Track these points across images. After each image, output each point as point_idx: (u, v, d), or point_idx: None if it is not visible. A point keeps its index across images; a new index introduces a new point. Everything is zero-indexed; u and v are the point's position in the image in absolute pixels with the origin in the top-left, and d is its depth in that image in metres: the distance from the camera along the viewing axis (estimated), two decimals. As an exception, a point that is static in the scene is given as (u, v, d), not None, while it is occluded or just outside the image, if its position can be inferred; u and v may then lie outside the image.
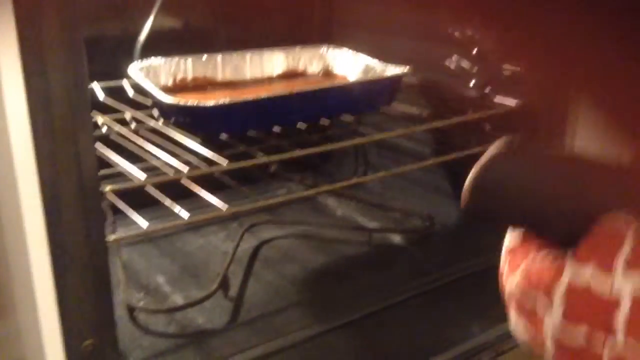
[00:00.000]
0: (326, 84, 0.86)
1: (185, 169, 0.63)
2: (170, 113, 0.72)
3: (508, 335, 0.68)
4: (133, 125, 0.77)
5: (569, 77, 0.80)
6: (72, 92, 0.48)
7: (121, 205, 0.63)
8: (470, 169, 0.99)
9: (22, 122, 0.46)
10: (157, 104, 0.74)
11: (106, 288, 0.53)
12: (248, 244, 0.87)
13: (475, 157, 0.82)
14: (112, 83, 0.82)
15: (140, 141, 0.70)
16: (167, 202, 0.64)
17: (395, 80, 0.80)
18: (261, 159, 0.67)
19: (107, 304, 0.54)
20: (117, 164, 0.66)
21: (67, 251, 0.49)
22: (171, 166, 0.65)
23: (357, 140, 0.80)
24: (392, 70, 0.81)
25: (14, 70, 0.45)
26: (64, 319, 0.50)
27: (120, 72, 0.83)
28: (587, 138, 0.82)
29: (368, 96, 0.78)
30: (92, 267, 0.52)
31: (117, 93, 0.82)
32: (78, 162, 0.48)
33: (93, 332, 0.52)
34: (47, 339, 0.50)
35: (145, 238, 0.86)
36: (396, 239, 0.91)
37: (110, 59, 0.85)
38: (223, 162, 0.64)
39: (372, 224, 0.94)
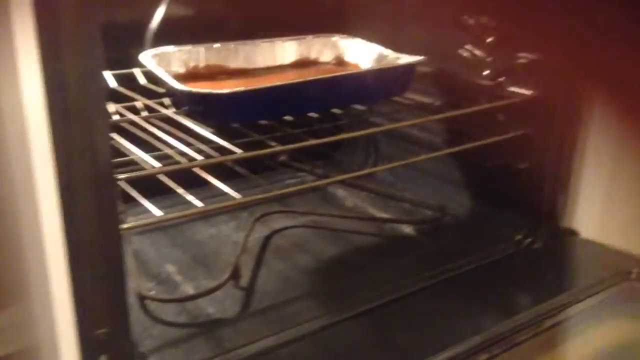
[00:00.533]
0: (340, 72, 0.85)
1: (198, 157, 0.62)
2: (183, 101, 0.71)
3: (521, 327, 0.68)
4: (144, 113, 0.77)
5: (584, 66, 0.79)
6: (88, 78, 0.47)
7: (134, 193, 0.62)
8: (483, 159, 0.99)
9: (38, 108, 0.45)
10: (170, 92, 0.73)
11: (120, 276, 0.53)
12: (259, 233, 0.87)
13: (488, 148, 0.82)
14: (122, 71, 0.81)
15: (152, 129, 0.70)
16: (180, 190, 0.64)
17: (410, 69, 0.79)
18: (276, 148, 0.66)
19: (120, 292, 0.54)
20: (129, 152, 0.66)
21: (82, 238, 0.49)
22: (184, 154, 0.64)
23: (370, 130, 0.79)
24: (406, 59, 0.80)
25: (31, 56, 0.44)
26: (78, 306, 0.50)
27: (130, 61, 0.82)
28: (602, 129, 0.81)
29: (382, 85, 0.78)
30: (106, 254, 0.51)
31: (127, 81, 0.81)
32: (93, 149, 0.48)
33: (106, 320, 0.52)
34: (60, 327, 0.50)
35: (156, 227, 0.86)
36: (407, 229, 0.90)
37: (121, 47, 0.85)
38: (237, 150, 0.63)
39: (382, 215, 0.94)
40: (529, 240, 0.83)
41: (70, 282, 0.49)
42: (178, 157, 0.65)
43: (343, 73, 0.82)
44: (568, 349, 0.67)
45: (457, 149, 0.82)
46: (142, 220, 0.60)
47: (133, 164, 0.66)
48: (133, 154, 0.65)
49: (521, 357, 0.65)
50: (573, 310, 0.69)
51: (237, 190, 0.65)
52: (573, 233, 0.84)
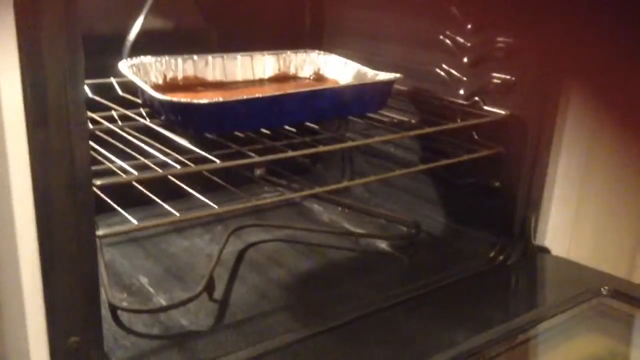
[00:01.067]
0: (320, 86, 0.86)
1: (177, 166, 0.62)
2: (161, 111, 0.71)
3: (493, 342, 0.68)
4: (121, 123, 0.77)
5: (560, 82, 0.81)
6: (69, 86, 0.47)
7: (108, 201, 0.62)
8: (458, 177, 1.00)
9: (16, 114, 0.45)
10: (149, 101, 0.73)
11: (93, 284, 0.52)
12: (233, 247, 0.86)
13: (462, 166, 0.83)
14: (98, 81, 0.81)
15: (129, 138, 0.69)
16: (157, 200, 0.63)
17: (387, 85, 0.80)
18: (255, 159, 0.66)
19: (93, 301, 0.53)
20: (105, 160, 0.65)
21: (57, 245, 0.48)
22: (162, 164, 0.64)
23: (346, 144, 0.80)
24: (384, 76, 0.81)
25: (11, 61, 0.44)
26: (50, 314, 0.49)
27: (107, 71, 0.82)
28: (572, 151, 0.83)
29: (359, 101, 0.79)
30: (81, 262, 0.51)
31: (103, 91, 0.81)
32: (71, 155, 0.48)
33: (79, 329, 0.51)
34: (31, 335, 0.49)
35: (129, 239, 0.85)
36: (382, 245, 0.91)
37: (98, 57, 0.84)
38: (215, 160, 0.63)
39: (358, 230, 0.94)
40: (502, 257, 0.84)
41: (43, 289, 0.49)
42: (155, 167, 0.65)
43: (324, 87, 0.83)
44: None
45: (431, 165, 0.83)
46: (119, 228, 0.59)
47: (108, 174, 0.65)
48: (110, 162, 0.65)
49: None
50: (545, 326, 0.70)
51: (214, 203, 0.65)
52: (545, 251, 0.86)
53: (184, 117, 0.67)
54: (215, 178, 0.73)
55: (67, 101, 0.47)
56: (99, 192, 0.56)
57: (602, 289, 0.74)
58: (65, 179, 0.48)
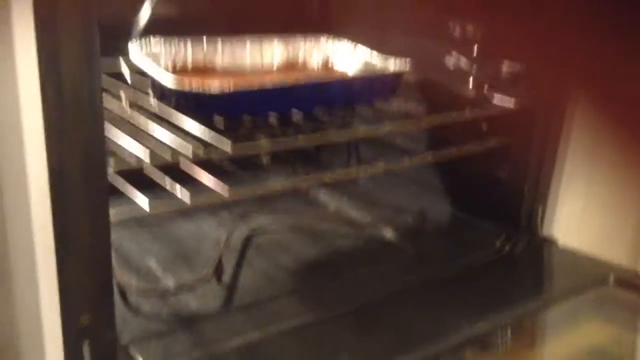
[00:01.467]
0: (329, 75, 0.86)
1: (189, 150, 0.62)
2: (171, 95, 0.71)
3: (498, 328, 0.69)
4: (128, 105, 0.76)
5: (568, 74, 0.81)
6: (84, 66, 0.47)
7: (121, 184, 0.62)
8: (465, 167, 1.00)
9: (33, 95, 0.45)
10: (157, 84, 0.73)
11: (106, 264, 0.53)
12: (239, 232, 0.87)
13: (470, 156, 0.83)
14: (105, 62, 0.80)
15: (141, 120, 0.69)
16: (168, 183, 0.63)
17: (398, 75, 0.80)
18: (265, 143, 0.66)
19: (106, 280, 0.53)
20: (113, 143, 0.65)
21: (71, 224, 0.48)
22: (170, 147, 0.64)
23: (353, 133, 0.80)
24: (394, 65, 0.81)
25: (28, 43, 0.44)
26: (63, 291, 0.49)
27: (114, 52, 0.81)
28: (580, 143, 0.83)
29: (370, 90, 0.79)
30: (94, 242, 0.51)
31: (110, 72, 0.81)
32: (87, 137, 0.48)
33: (91, 307, 0.51)
34: (45, 311, 0.49)
35: (137, 222, 0.85)
36: (387, 234, 0.91)
37: (105, 38, 0.84)
38: (227, 144, 0.63)
39: (363, 219, 0.94)
40: (508, 247, 0.85)
41: (57, 267, 0.49)
42: (165, 150, 0.64)
43: (333, 77, 0.83)
44: (545, 349, 0.68)
45: (439, 155, 0.83)
46: (127, 214, 0.59)
47: (114, 156, 0.65)
48: (118, 144, 0.65)
49: (499, 357, 0.66)
50: (551, 313, 0.70)
51: (220, 188, 0.65)
52: (551, 241, 0.86)
53: (194, 104, 0.67)
54: (226, 163, 0.73)
55: (83, 83, 0.47)
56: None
57: (608, 278, 0.75)
58: (80, 161, 0.48)
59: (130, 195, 0.61)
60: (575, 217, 0.84)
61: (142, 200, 0.59)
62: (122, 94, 0.77)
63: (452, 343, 0.68)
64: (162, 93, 0.73)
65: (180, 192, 0.60)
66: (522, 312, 0.70)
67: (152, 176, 0.64)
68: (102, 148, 0.50)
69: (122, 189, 0.63)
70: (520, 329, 0.69)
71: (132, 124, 0.71)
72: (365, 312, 0.72)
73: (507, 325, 0.68)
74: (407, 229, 0.92)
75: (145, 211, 0.61)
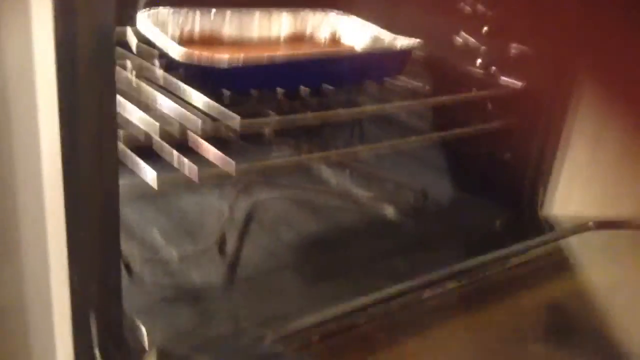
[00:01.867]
0: (337, 49, 0.85)
1: (197, 125, 0.62)
2: (179, 66, 0.70)
3: (484, 265, 0.74)
4: (134, 74, 0.75)
5: (575, 55, 0.81)
6: (98, 35, 0.46)
7: (129, 155, 0.62)
8: (469, 147, 1.00)
9: (47, 63, 0.45)
10: (165, 55, 0.72)
11: (114, 233, 0.53)
12: (242, 203, 0.87)
13: (474, 136, 0.83)
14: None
15: (149, 91, 0.68)
16: (175, 159, 0.63)
17: (406, 52, 0.79)
18: (273, 118, 0.66)
19: (114, 250, 0.53)
20: (127, 113, 0.65)
21: (81, 192, 0.49)
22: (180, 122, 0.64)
23: (362, 111, 0.80)
24: (402, 41, 0.80)
25: (44, 10, 0.44)
26: (72, 259, 0.49)
27: (121, 20, 0.80)
28: (588, 121, 0.83)
29: (378, 66, 0.78)
30: (104, 212, 0.51)
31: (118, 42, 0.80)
32: (100, 107, 0.47)
33: (99, 276, 0.52)
34: (53, 280, 0.49)
35: (140, 194, 0.85)
36: (389, 211, 0.91)
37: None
38: (235, 120, 0.63)
39: (365, 195, 0.95)
40: (508, 226, 0.85)
41: (66, 235, 0.49)
42: (173, 121, 0.64)
43: (341, 51, 0.82)
44: (530, 289, 0.72)
45: (445, 134, 0.83)
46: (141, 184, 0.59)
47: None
48: (123, 116, 0.64)
49: (490, 290, 0.72)
50: (535, 254, 0.73)
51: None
52: (552, 221, 0.87)
53: (203, 74, 0.67)
54: (232, 136, 0.73)
55: (97, 51, 0.47)
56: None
57: (589, 223, 0.77)
58: (93, 131, 0.48)
59: (136, 169, 0.61)
60: (577, 199, 0.85)
61: (149, 175, 0.59)
62: (128, 64, 0.76)
63: (444, 274, 0.72)
64: (170, 64, 0.73)
65: (189, 170, 0.60)
66: (509, 252, 0.75)
67: (159, 152, 0.64)
68: (114, 116, 0.50)
69: (127, 163, 0.63)
70: (508, 266, 0.73)
71: (137, 91, 0.70)
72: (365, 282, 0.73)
73: (496, 262, 0.73)
74: (409, 207, 0.92)
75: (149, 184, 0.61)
